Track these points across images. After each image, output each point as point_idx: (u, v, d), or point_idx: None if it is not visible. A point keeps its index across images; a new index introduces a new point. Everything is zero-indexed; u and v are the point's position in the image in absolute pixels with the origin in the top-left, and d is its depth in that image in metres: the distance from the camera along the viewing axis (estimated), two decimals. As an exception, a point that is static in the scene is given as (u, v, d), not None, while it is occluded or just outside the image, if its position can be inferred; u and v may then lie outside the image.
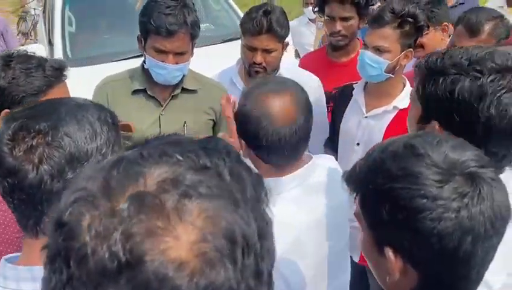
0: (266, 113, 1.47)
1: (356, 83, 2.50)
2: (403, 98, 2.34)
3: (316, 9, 2.96)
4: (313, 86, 2.56)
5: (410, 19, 2.23)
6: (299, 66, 2.99)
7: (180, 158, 0.59)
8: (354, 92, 2.49)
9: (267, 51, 2.46)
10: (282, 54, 2.55)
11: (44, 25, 6.19)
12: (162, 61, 2.21)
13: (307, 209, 1.53)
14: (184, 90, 2.39)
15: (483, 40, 2.37)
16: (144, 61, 2.37)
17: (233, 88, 2.63)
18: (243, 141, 1.55)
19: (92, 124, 1.03)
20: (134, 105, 2.38)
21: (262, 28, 2.40)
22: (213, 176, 0.59)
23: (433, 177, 0.97)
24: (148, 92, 2.36)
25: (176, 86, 2.37)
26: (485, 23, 2.43)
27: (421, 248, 0.97)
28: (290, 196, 1.51)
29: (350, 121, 2.50)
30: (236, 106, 1.60)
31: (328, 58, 2.92)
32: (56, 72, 1.70)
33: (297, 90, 1.56)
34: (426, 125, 1.43)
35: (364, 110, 2.44)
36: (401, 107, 2.34)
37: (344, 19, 2.70)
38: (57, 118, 1.01)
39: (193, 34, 2.24)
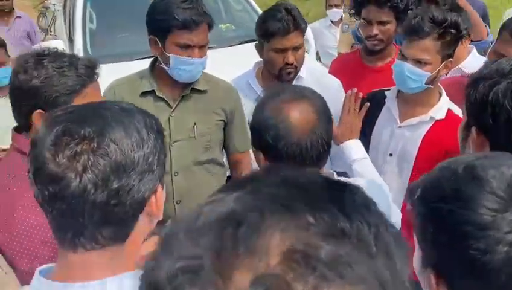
0: (285, 123, 1.41)
1: (388, 89, 2.39)
2: (440, 108, 2.23)
3: (352, 11, 2.88)
4: (334, 87, 2.48)
5: (452, 30, 2.09)
6: (330, 68, 2.91)
7: (312, 220, 0.44)
8: (386, 100, 2.36)
9: (295, 49, 2.38)
10: (304, 50, 2.46)
11: (64, 21, 6.16)
12: (189, 56, 2.14)
13: None
14: (194, 90, 2.29)
15: None
16: (154, 63, 2.30)
17: (251, 92, 2.56)
18: (260, 154, 1.49)
19: (139, 131, 0.96)
20: (143, 106, 2.25)
21: (290, 26, 2.33)
22: (355, 247, 0.44)
23: (489, 204, 0.89)
24: (157, 94, 2.26)
25: (186, 86, 2.28)
26: None
27: (465, 278, 0.91)
28: None
29: (383, 130, 2.37)
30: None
31: (361, 62, 2.81)
32: (89, 71, 1.63)
33: (315, 97, 1.51)
34: (469, 133, 1.40)
35: (398, 120, 2.31)
36: (438, 117, 2.22)
37: (381, 23, 2.61)
38: (103, 123, 0.94)
39: (210, 25, 2.21)
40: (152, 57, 2.37)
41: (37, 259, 1.42)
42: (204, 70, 2.30)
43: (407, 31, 2.17)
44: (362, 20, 2.68)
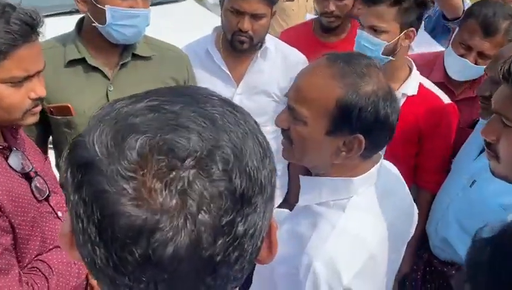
0: (378, 89, 1.18)
1: None
2: (411, 84, 2.09)
3: None
4: (300, 63, 2.21)
5: None
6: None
7: None
8: None
9: (255, 17, 2.11)
10: (269, 23, 2.20)
11: None
12: (131, 7, 1.73)
13: (379, 218, 1.27)
14: (135, 57, 1.88)
15: (499, 41, 2.08)
16: (80, 23, 1.85)
17: (209, 61, 2.27)
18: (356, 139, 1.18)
19: (260, 140, 0.58)
20: (71, 80, 1.79)
21: None
22: None
23: None
24: (89, 62, 1.81)
25: (124, 52, 1.86)
26: (503, 22, 2.11)
27: None
28: (362, 202, 1.24)
29: None
30: None
31: (314, 37, 2.66)
32: (25, 28, 1.25)
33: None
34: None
35: None
36: (410, 94, 2.08)
37: None
38: (215, 130, 0.53)
39: None
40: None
41: None
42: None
43: None
44: None
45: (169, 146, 0.50)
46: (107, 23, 1.72)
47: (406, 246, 1.44)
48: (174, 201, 0.49)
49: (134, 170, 0.49)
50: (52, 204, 1.46)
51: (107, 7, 1.70)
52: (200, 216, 0.50)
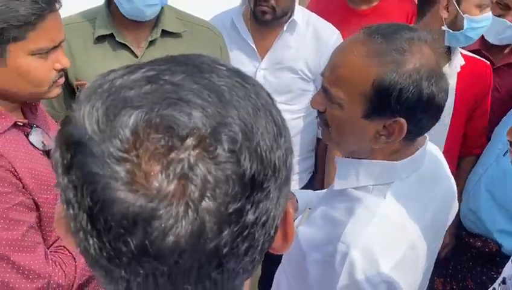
0: (422, 66, 1.05)
1: None
2: (456, 55, 2.10)
3: None
4: (332, 39, 2.16)
5: None
6: (309, 5, 2.56)
7: None
8: None
9: None
10: None
11: None
12: None
13: (423, 206, 1.19)
14: (165, 33, 1.82)
15: None
16: None
17: (235, 34, 2.18)
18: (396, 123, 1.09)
19: (274, 117, 0.51)
20: (99, 57, 1.76)
21: None
22: None
23: None
24: (117, 39, 1.78)
25: (154, 28, 1.80)
26: None
27: None
28: (404, 188, 1.15)
29: None
30: None
31: (345, 4, 2.51)
32: None
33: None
34: None
35: None
36: (459, 65, 2.08)
37: None
38: (221, 105, 0.47)
39: None
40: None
41: None
42: (173, 6, 1.84)
43: None
44: None
45: (168, 123, 0.44)
46: None
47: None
48: (172, 186, 0.43)
49: (127, 151, 0.43)
50: None
51: None
52: (203, 203, 0.43)
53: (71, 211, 0.46)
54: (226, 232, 0.45)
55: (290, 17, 2.13)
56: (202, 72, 0.49)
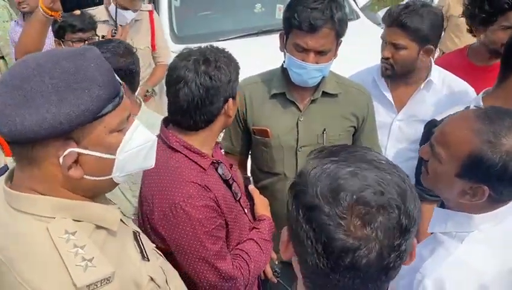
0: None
1: None
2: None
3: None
4: (468, 93, 2.39)
5: None
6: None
7: None
8: None
9: (394, 46, 2.35)
10: (411, 55, 2.36)
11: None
12: (302, 60, 2.05)
13: (502, 255, 1.38)
14: (324, 94, 2.23)
15: None
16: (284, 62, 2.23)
17: (375, 89, 2.51)
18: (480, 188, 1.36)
19: (413, 192, 0.93)
20: (272, 109, 2.24)
21: (392, 19, 2.31)
22: None
23: None
24: (287, 96, 2.22)
25: (316, 89, 2.22)
26: None
27: None
28: (482, 237, 1.40)
29: None
30: None
31: (469, 61, 2.70)
32: None
33: None
34: None
35: None
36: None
37: None
38: (398, 190, 0.90)
39: (339, 32, 2.05)
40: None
41: None
42: (335, 72, 2.25)
43: None
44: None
45: (364, 199, 0.85)
46: (286, 65, 2.15)
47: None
48: (369, 232, 0.85)
49: (345, 213, 0.85)
50: (241, 203, 1.86)
51: (287, 54, 2.11)
52: (384, 241, 0.85)
53: (309, 242, 0.88)
54: (392, 256, 0.86)
55: (427, 76, 2.44)
56: (378, 168, 0.90)
